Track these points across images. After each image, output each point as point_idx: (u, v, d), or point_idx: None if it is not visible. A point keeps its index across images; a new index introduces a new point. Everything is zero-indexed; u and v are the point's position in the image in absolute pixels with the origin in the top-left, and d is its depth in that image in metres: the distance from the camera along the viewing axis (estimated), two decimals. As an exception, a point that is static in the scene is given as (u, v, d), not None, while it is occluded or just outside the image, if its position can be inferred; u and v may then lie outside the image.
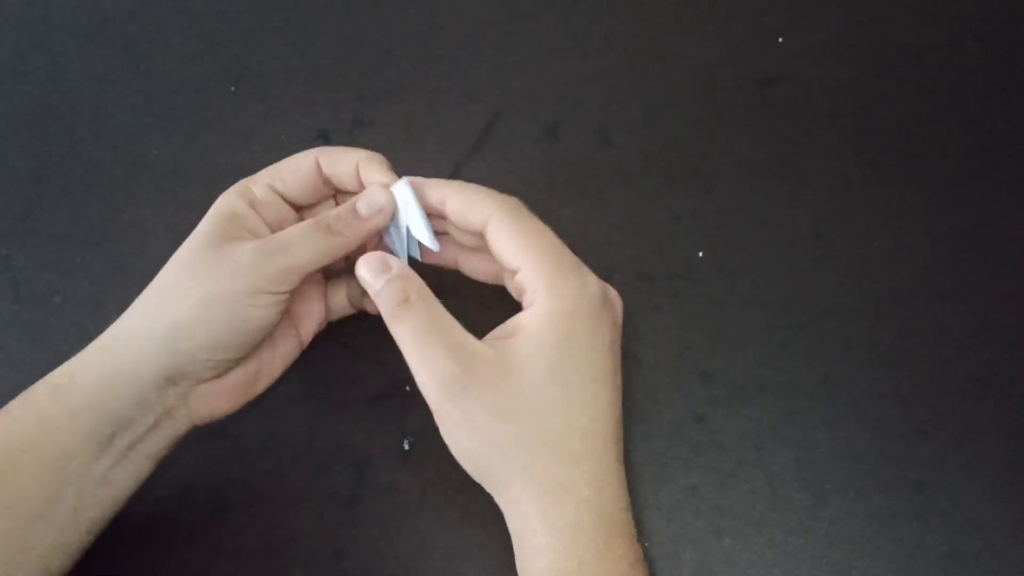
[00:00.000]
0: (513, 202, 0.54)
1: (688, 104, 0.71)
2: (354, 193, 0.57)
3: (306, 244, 0.53)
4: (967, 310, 0.66)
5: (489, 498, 0.60)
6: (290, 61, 0.73)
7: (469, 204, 0.53)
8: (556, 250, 0.53)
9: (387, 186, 0.56)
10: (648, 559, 0.61)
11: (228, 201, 0.55)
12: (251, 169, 0.67)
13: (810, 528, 0.61)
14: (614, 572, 0.48)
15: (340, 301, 0.62)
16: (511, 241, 0.52)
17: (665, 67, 0.72)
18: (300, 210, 0.59)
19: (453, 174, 0.69)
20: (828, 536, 0.61)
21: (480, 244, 0.56)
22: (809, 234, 0.68)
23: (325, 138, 0.70)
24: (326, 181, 0.58)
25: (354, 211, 0.55)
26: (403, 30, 0.73)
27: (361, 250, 0.56)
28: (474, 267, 0.60)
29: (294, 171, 0.57)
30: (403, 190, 0.56)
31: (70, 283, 0.67)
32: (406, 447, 0.63)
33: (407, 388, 0.64)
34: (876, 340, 0.65)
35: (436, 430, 0.62)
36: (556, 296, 0.50)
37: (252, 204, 0.55)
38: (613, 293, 0.55)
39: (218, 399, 0.56)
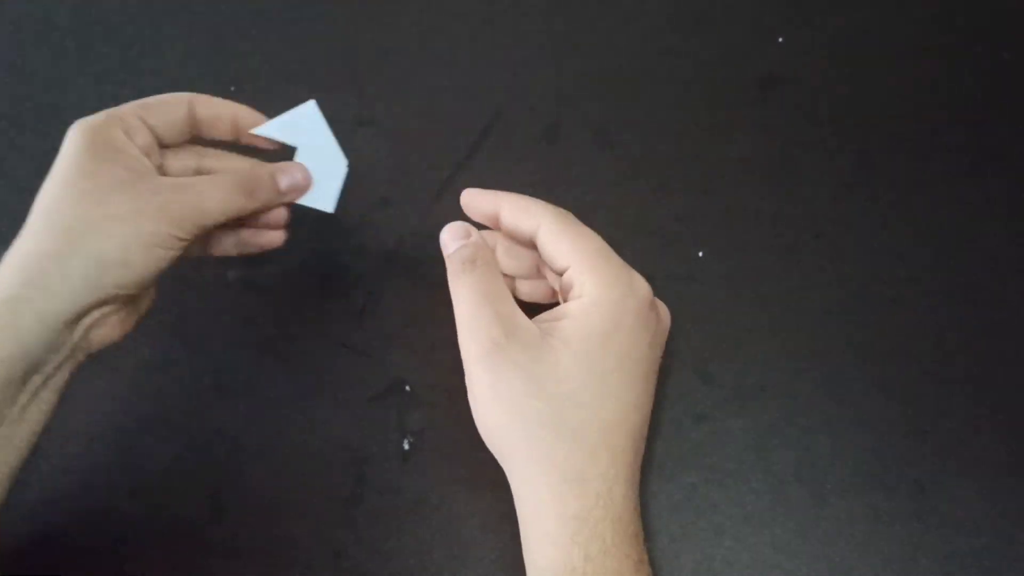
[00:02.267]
0: (563, 210, 0.55)
1: (688, 104, 0.71)
2: (221, 142, 0.61)
3: (226, 201, 0.56)
4: (966, 310, 0.66)
5: (488, 498, 0.60)
6: (290, 61, 0.73)
7: (521, 212, 0.55)
8: (604, 251, 0.53)
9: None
10: (648, 559, 0.61)
11: (103, 127, 0.55)
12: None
13: (810, 528, 0.61)
14: (619, 569, 0.48)
15: (221, 243, 0.63)
16: (561, 242, 0.53)
17: (665, 67, 0.72)
18: (162, 148, 0.60)
19: (453, 173, 0.69)
20: (828, 536, 0.61)
21: (532, 270, 0.59)
22: (809, 234, 0.67)
23: (326, 138, 0.70)
24: (194, 125, 0.59)
25: (274, 182, 0.59)
26: (403, 30, 0.73)
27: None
28: (529, 291, 0.60)
29: (166, 110, 0.58)
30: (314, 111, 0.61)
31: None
32: (406, 447, 0.63)
33: (407, 388, 0.64)
34: (876, 340, 0.65)
35: (436, 431, 0.62)
36: (604, 288, 0.51)
37: (127, 133, 0.56)
38: (661, 304, 0.56)
39: (113, 329, 0.56)
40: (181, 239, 0.54)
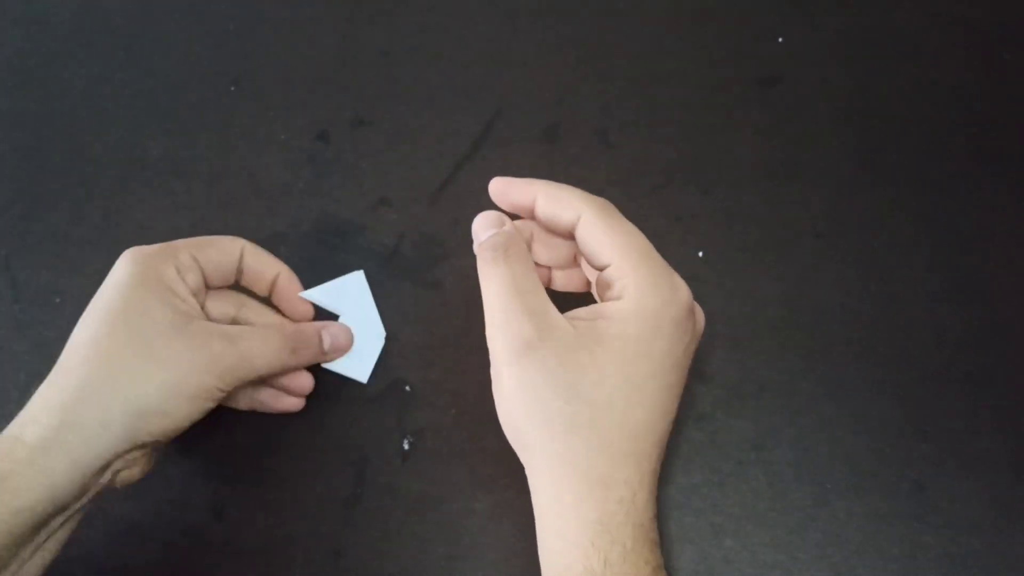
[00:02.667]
0: (603, 201, 0.52)
1: (688, 104, 0.71)
2: (257, 294, 0.62)
3: (273, 357, 0.56)
4: (966, 310, 0.66)
5: (488, 498, 0.60)
6: (290, 61, 0.73)
7: (559, 202, 0.52)
8: (648, 250, 0.51)
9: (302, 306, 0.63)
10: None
11: (156, 261, 0.55)
12: (247, 171, 0.67)
13: (810, 528, 0.61)
14: (637, 575, 0.47)
15: (238, 398, 0.63)
16: (602, 237, 0.50)
17: (665, 67, 0.72)
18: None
19: (453, 174, 0.69)
20: (828, 536, 0.61)
21: (568, 260, 0.57)
22: (809, 234, 0.67)
23: (325, 138, 0.70)
24: (239, 272, 0.60)
25: (319, 342, 0.60)
26: (403, 30, 0.73)
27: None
28: (564, 282, 0.59)
29: (221, 254, 0.58)
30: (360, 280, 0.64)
31: (70, 283, 0.67)
32: (406, 447, 0.63)
33: (407, 388, 0.64)
34: (876, 340, 0.65)
35: (436, 431, 0.62)
36: (646, 292, 0.49)
37: (179, 271, 0.56)
38: (698, 308, 0.53)
39: (139, 469, 0.55)
40: (223, 391, 0.54)
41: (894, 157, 0.69)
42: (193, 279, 0.56)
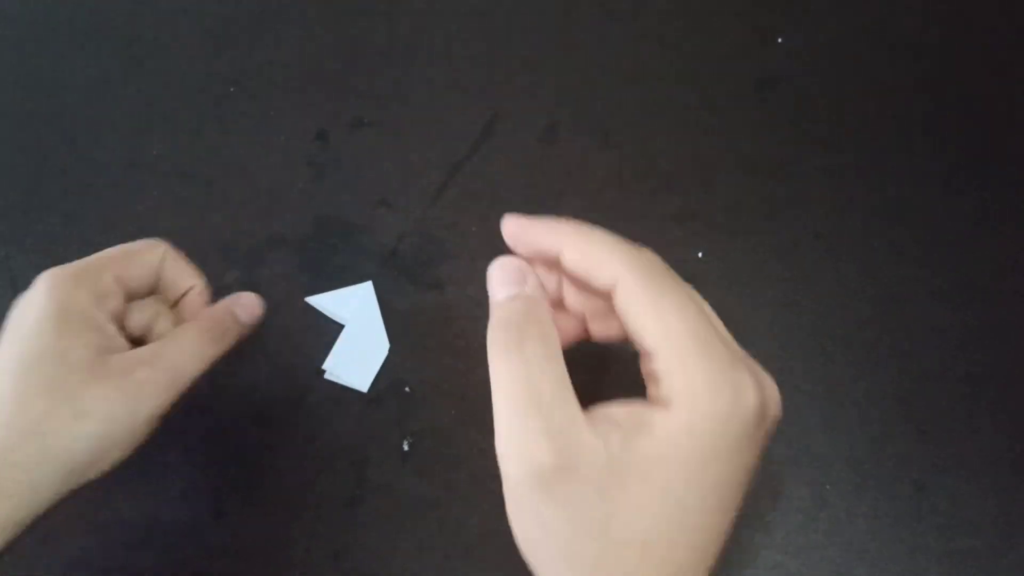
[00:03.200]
0: (647, 259, 0.42)
1: (688, 105, 0.71)
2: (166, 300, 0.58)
3: (200, 358, 0.53)
4: (966, 310, 0.66)
5: (487, 499, 0.60)
6: (290, 61, 0.73)
7: (590, 260, 0.42)
8: (704, 334, 0.40)
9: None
10: None
11: (73, 294, 0.51)
12: (247, 172, 0.67)
13: (810, 528, 0.61)
14: None
15: None
16: (645, 316, 0.40)
17: (664, 68, 0.72)
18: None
19: (453, 174, 0.69)
20: (828, 536, 0.61)
21: (606, 308, 0.44)
22: (808, 234, 0.67)
23: (324, 139, 0.70)
24: (158, 281, 0.57)
25: (236, 319, 0.56)
26: (402, 30, 0.73)
27: None
28: (603, 330, 0.47)
29: (142, 267, 0.55)
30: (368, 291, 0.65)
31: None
32: (406, 448, 0.63)
33: (406, 389, 0.64)
34: (876, 340, 0.65)
35: (436, 431, 0.62)
36: (701, 401, 0.38)
37: (99, 298, 0.52)
38: (772, 395, 0.41)
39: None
40: (160, 415, 0.51)
41: (893, 157, 0.69)
42: (114, 303, 0.53)
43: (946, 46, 0.73)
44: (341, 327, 0.64)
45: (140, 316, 0.57)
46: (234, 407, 0.64)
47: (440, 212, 0.68)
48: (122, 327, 0.54)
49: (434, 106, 0.71)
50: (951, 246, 0.67)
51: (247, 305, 0.57)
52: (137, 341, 0.55)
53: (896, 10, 0.74)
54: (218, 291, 0.66)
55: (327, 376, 0.64)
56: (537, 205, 0.67)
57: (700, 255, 0.67)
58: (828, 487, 0.62)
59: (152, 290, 0.57)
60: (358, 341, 0.64)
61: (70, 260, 0.67)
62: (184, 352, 0.53)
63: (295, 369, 0.65)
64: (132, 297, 0.56)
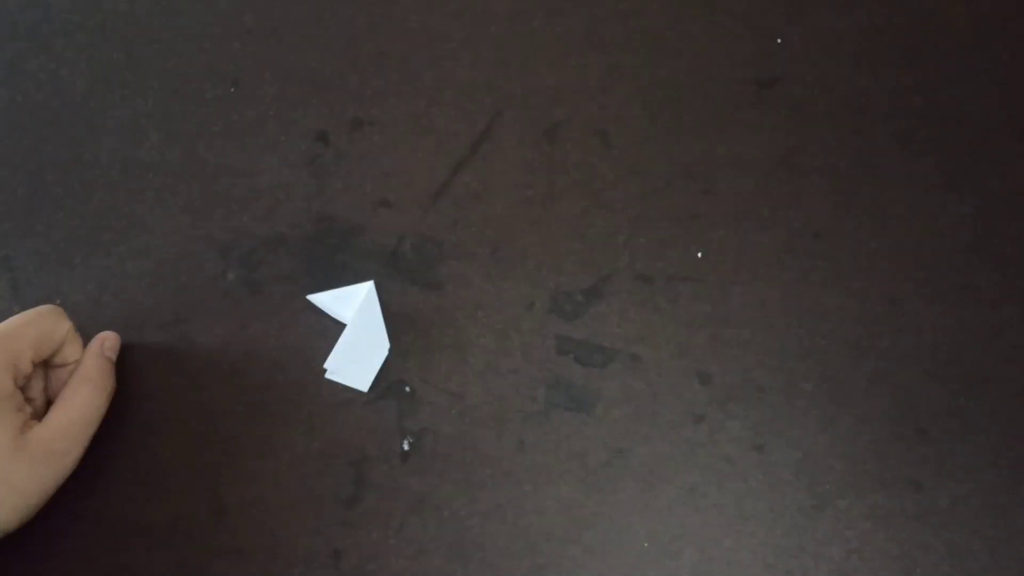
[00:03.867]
0: None
1: (687, 105, 0.71)
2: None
3: (98, 412, 0.60)
4: (966, 310, 0.66)
5: (487, 498, 0.60)
6: (289, 61, 0.72)
7: None
8: None
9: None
10: (646, 559, 0.61)
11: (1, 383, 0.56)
12: (247, 172, 0.67)
13: (810, 528, 0.61)
14: None
15: None
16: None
17: (664, 68, 0.72)
18: None
19: (453, 174, 0.69)
20: (828, 536, 0.61)
21: None
22: (808, 234, 0.67)
23: (324, 139, 0.70)
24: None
25: (108, 360, 0.62)
26: (402, 30, 0.73)
27: None
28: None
29: (51, 346, 0.60)
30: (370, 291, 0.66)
31: (70, 284, 0.67)
32: (406, 447, 0.63)
33: (407, 389, 0.64)
34: (874, 341, 0.65)
35: (436, 431, 0.62)
36: None
37: (16, 379, 0.57)
38: None
39: None
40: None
41: (893, 157, 0.69)
42: (23, 379, 0.58)
43: (944, 46, 0.73)
44: (341, 327, 0.64)
45: (34, 382, 0.61)
46: (234, 405, 0.64)
47: (440, 213, 0.68)
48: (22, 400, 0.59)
49: (433, 107, 0.71)
50: (950, 246, 0.67)
51: (104, 338, 0.63)
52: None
53: (893, 10, 0.73)
54: (217, 291, 0.66)
55: (328, 375, 0.64)
56: (537, 205, 0.68)
57: (700, 255, 0.67)
58: (827, 487, 0.62)
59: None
60: (359, 341, 0.64)
61: (71, 260, 0.67)
62: (88, 411, 0.59)
63: (295, 368, 0.65)
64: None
